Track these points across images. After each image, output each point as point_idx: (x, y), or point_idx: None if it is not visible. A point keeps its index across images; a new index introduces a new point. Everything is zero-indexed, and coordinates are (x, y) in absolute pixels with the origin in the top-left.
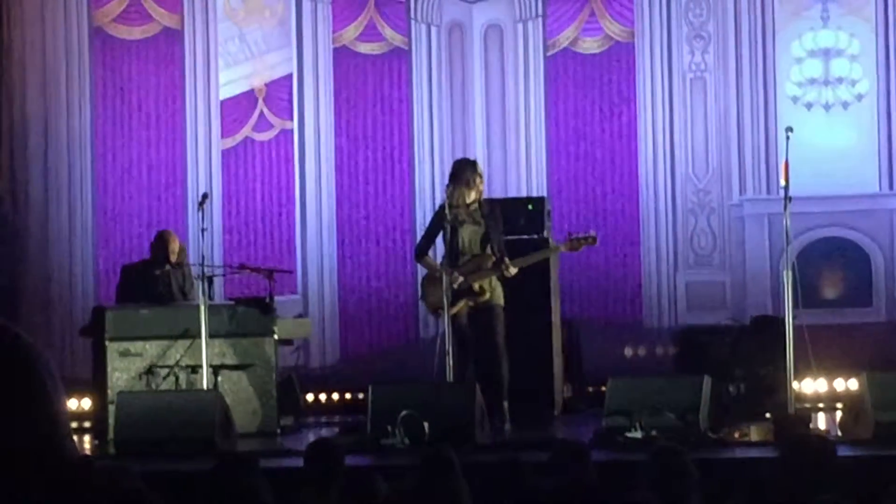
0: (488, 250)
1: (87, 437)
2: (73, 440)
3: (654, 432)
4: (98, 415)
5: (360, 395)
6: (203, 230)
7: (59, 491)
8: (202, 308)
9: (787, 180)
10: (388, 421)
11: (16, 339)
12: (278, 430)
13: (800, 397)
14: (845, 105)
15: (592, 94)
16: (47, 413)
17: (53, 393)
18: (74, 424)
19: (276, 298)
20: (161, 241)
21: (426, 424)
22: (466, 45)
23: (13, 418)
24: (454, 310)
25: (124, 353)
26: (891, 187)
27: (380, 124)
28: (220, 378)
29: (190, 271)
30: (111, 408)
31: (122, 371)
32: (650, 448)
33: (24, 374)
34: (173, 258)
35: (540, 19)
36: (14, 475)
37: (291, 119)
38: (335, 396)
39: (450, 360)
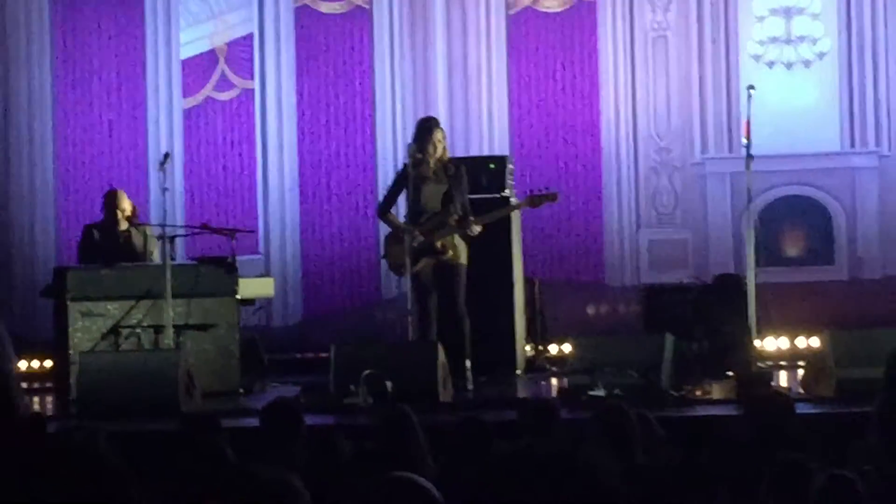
0: (450, 208)
1: (48, 398)
2: (24, 399)
3: (616, 391)
4: (60, 375)
5: (323, 355)
6: (164, 190)
7: (10, 446)
8: (165, 268)
9: (748, 139)
10: (350, 380)
11: None
12: (241, 390)
13: (762, 355)
14: (807, 63)
15: (554, 52)
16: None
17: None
18: (36, 385)
19: (238, 258)
20: (110, 201)
21: (389, 384)
22: (428, 4)
23: None
24: (416, 268)
25: (86, 314)
26: (852, 145)
27: (341, 84)
28: (182, 338)
29: (151, 231)
30: (73, 368)
31: (83, 332)
32: (595, 407)
33: None
34: (122, 217)
35: None
36: None
37: (252, 79)
38: (298, 356)
39: (412, 319)
